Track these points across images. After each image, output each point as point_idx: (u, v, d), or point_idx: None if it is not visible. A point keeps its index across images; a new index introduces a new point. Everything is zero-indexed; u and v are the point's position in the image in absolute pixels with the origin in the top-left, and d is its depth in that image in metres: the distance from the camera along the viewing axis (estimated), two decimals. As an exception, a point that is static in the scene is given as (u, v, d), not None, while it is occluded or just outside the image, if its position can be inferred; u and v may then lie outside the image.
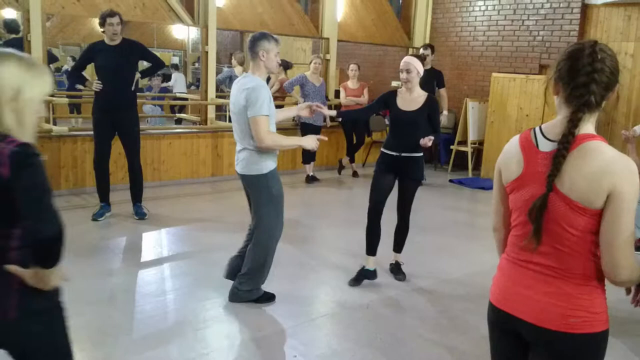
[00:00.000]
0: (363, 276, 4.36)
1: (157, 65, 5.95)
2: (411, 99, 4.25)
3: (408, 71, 4.18)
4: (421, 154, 4.33)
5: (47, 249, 1.69)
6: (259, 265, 3.81)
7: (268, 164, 3.67)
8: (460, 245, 5.44)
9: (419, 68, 4.20)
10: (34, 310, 1.75)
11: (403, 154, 4.25)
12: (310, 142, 3.76)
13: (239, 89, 3.62)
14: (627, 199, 1.55)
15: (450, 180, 8.60)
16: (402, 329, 3.66)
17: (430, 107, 4.27)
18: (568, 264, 1.65)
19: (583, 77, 1.61)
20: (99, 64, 5.47)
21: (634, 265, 1.59)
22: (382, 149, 4.38)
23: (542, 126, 1.73)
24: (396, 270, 4.54)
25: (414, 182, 4.35)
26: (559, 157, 1.60)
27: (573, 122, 1.61)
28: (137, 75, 5.73)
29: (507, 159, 1.79)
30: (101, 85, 5.39)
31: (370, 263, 4.39)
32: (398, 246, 4.56)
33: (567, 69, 1.64)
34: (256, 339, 3.45)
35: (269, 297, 3.92)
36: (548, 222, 1.64)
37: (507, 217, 1.84)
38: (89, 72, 5.85)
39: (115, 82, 5.43)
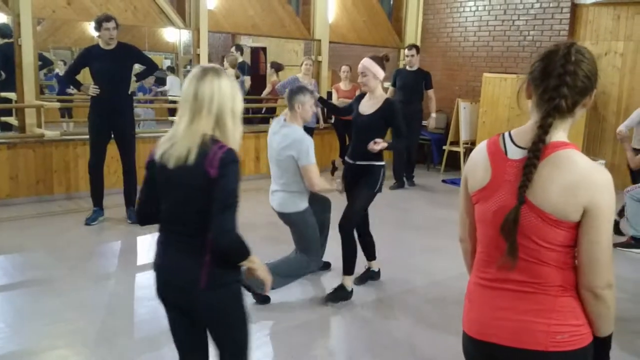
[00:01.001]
0: (369, 277, 4.40)
1: (151, 68, 5.95)
2: (371, 102, 4.06)
3: (363, 74, 4.01)
4: (379, 163, 4.02)
5: (225, 255, 1.99)
6: (289, 276, 4.00)
7: (303, 203, 3.95)
8: (453, 245, 5.44)
9: (373, 70, 3.96)
10: (218, 283, 2.01)
11: (357, 162, 4.07)
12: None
13: (282, 139, 3.84)
14: (606, 212, 1.47)
15: (443, 181, 8.62)
16: (396, 329, 3.67)
17: (386, 110, 3.97)
18: (543, 277, 1.54)
19: (554, 79, 1.49)
20: (95, 68, 5.45)
21: (612, 277, 1.52)
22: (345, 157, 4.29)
23: (512, 132, 1.61)
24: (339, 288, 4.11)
25: (362, 192, 4.02)
26: (529, 167, 1.48)
27: (543, 129, 1.50)
28: (132, 78, 5.73)
29: (474, 166, 1.66)
30: (98, 90, 5.37)
31: (374, 265, 4.43)
32: (346, 265, 4.09)
33: (539, 70, 1.54)
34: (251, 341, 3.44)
35: (264, 299, 3.93)
36: (518, 237, 1.52)
37: (474, 228, 1.73)
38: (81, 76, 5.83)
39: (113, 86, 5.42)
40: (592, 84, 1.53)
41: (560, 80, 1.49)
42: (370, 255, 4.40)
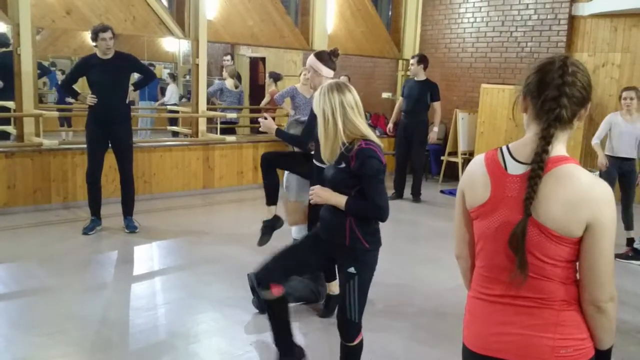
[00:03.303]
0: (335, 304, 3.77)
1: (148, 77, 5.95)
2: None
3: (308, 71, 3.87)
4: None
5: (377, 219, 2.64)
6: (299, 298, 3.99)
7: None
8: (450, 256, 5.42)
9: (315, 66, 3.70)
10: (358, 245, 2.62)
11: None
12: None
13: None
14: (608, 227, 1.47)
15: (441, 191, 8.63)
16: (394, 341, 3.65)
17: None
18: (547, 292, 1.53)
19: (553, 90, 1.50)
20: (92, 78, 5.46)
21: (614, 290, 1.52)
22: None
23: (510, 146, 1.60)
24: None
25: None
26: (534, 179, 1.47)
27: (546, 139, 1.50)
28: (130, 87, 5.73)
29: (472, 181, 1.65)
30: (96, 100, 5.37)
31: (334, 288, 3.89)
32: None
33: (536, 82, 1.55)
34: (248, 353, 3.43)
35: (262, 308, 3.90)
36: None
37: (473, 244, 1.71)
38: (79, 85, 5.84)
39: (110, 95, 5.42)
40: (589, 95, 1.55)
41: (559, 91, 1.50)
42: (329, 274, 3.84)
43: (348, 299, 2.69)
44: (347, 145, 2.54)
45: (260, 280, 2.85)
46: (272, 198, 4.03)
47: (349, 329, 2.75)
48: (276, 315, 2.98)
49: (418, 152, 7.85)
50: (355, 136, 2.55)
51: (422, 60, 7.80)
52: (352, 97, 2.59)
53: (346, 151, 2.54)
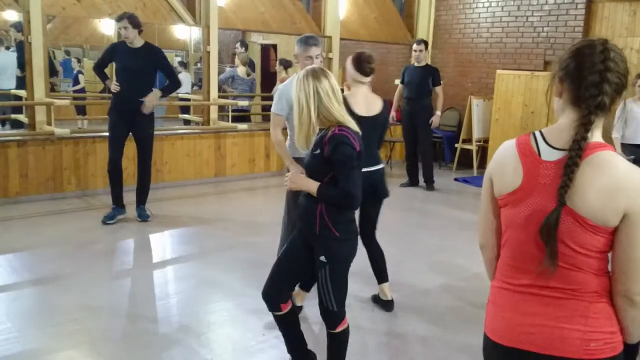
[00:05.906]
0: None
1: (173, 84, 5.65)
2: None
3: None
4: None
5: (347, 206, 2.59)
6: None
7: None
8: (466, 245, 5.38)
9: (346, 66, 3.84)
10: (327, 234, 2.57)
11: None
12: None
13: None
14: None
15: (455, 179, 8.54)
16: (409, 331, 3.61)
17: None
18: (578, 283, 1.48)
19: (595, 75, 1.44)
20: (118, 64, 5.41)
21: None
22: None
23: (544, 131, 1.54)
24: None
25: None
26: (571, 166, 1.41)
27: (585, 127, 1.44)
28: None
29: (501, 167, 1.59)
30: (119, 87, 5.33)
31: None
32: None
33: (575, 66, 1.47)
34: (260, 344, 3.40)
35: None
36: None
37: (499, 232, 1.65)
38: (108, 71, 5.77)
39: (134, 84, 5.34)
40: (626, 82, 1.50)
41: (601, 77, 1.44)
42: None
43: (322, 288, 2.66)
44: (322, 132, 2.54)
45: (270, 304, 2.81)
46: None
47: (328, 317, 2.74)
48: (288, 328, 2.94)
49: (424, 139, 7.71)
50: (330, 123, 2.54)
51: (427, 45, 7.68)
52: (329, 83, 2.54)
53: (320, 137, 2.54)
